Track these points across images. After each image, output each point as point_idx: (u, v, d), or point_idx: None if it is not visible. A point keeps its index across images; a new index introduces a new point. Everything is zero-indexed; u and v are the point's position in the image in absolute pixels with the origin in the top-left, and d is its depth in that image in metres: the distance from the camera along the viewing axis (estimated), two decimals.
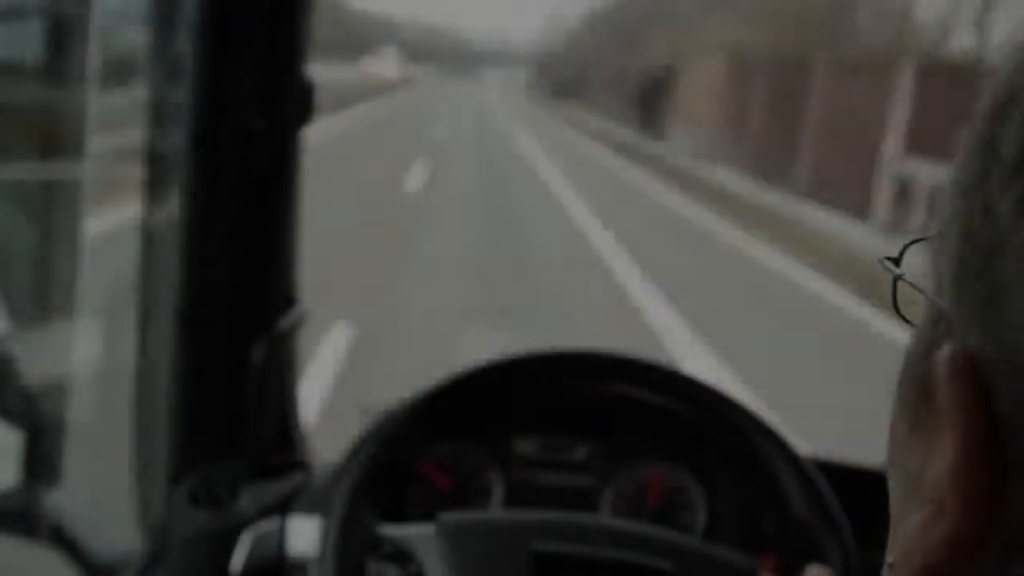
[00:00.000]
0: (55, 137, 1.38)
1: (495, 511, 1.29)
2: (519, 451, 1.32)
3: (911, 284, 0.35)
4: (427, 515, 1.26)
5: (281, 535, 1.20)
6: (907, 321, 0.35)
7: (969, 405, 0.29)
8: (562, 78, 64.96)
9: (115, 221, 1.54)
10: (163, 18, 1.28)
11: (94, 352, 1.54)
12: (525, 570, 1.09)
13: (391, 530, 1.12)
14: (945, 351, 0.30)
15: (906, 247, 0.37)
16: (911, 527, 0.31)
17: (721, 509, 1.30)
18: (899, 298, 0.36)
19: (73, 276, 1.36)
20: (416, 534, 1.12)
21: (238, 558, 1.17)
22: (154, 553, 1.24)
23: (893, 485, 0.36)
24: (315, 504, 1.20)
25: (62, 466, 1.36)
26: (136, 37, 1.32)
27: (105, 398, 1.57)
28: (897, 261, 0.37)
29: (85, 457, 1.44)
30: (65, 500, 1.33)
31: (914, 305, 0.35)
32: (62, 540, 1.29)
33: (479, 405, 1.28)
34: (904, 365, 0.35)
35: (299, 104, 1.25)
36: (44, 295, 1.36)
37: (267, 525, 1.19)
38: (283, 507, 1.21)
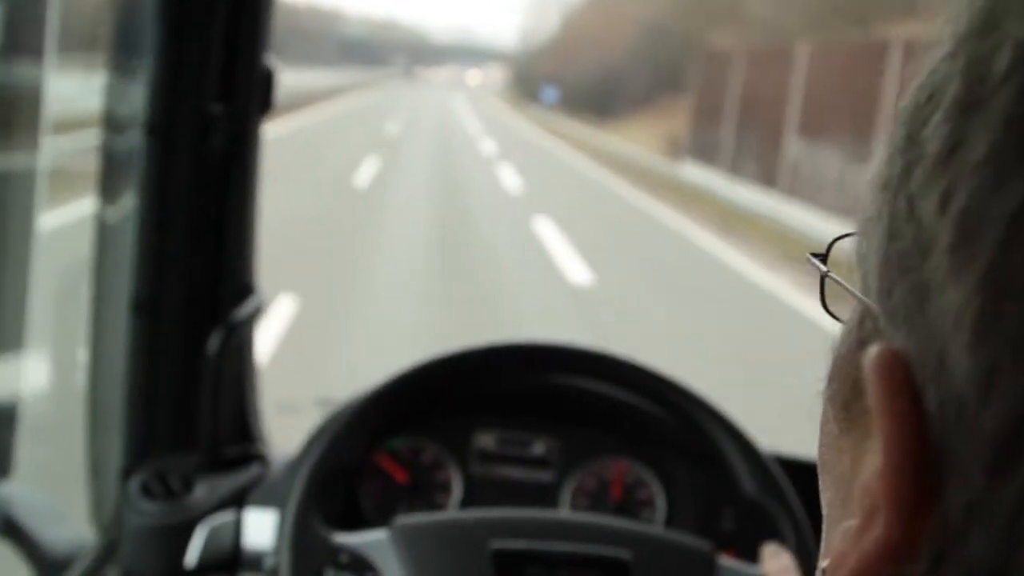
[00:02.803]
0: (8, 124, 1.35)
1: (452, 510, 1.29)
2: (478, 446, 1.32)
3: (837, 281, 0.35)
4: (385, 510, 1.25)
5: (237, 528, 1.18)
6: (837, 318, 0.35)
7: (898, 407, 0.28)
8: (583, 81, 37.23)
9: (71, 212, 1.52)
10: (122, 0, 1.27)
11: (46, 343, 1.52)
12: (485, 569, 1.08)
13: (346, 538, 1.11)
14: (872, 350, 0.29)
15: (833, 243, 0.36)
16: (843, 533, 0.31)
17: (680, 503, 1.30)
18: (827, 295, 0.36)
19: (26, 266, 1.33)
20: (372, 541, 1.10)
21: (193, 551, 1.16)
22: (107, 546, 1.22)
23: (825, 488, 0.35)
24: (271, 497, 1.18)
25: (14, 457, 1.33)
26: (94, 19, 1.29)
27: (58, 389, 1.55)
28: (824, 258, 0.36)
29: (37, 448, 1.42)
30: (17, 492, 1.31)
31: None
32: (14, 532, 1.27)
33: (436, 398, 1.27)
34: (832, 365, 0.34)
35: (260, 91, 1.23)
36: None
37: (222, 518, 1.18)
38: (239, 500, 1.20)
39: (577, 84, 38.07)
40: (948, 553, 0.28)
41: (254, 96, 1.22)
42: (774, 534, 1.13)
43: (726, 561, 1.12)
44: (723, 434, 1.20)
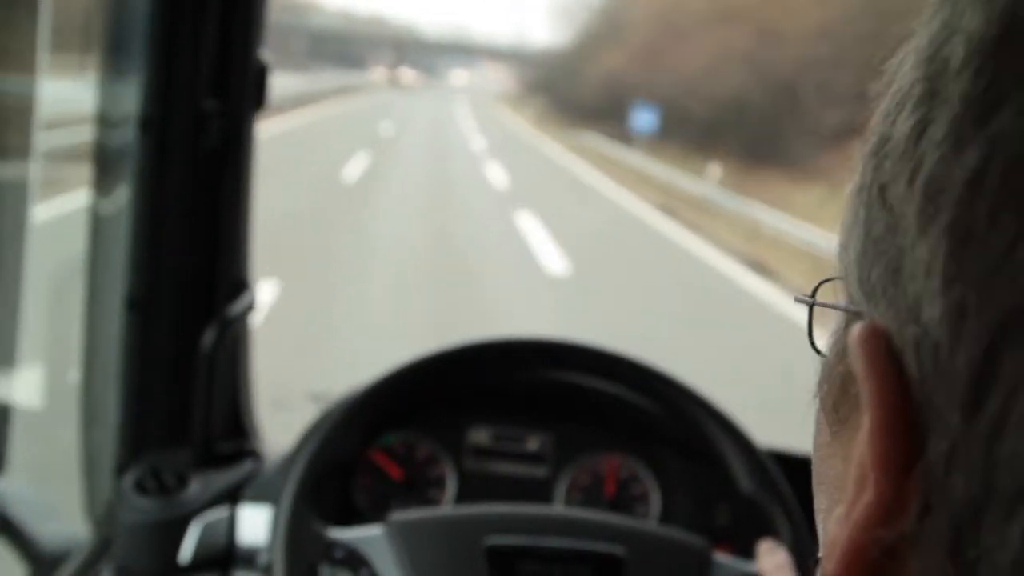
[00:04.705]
0: (1, 124, 1.35)
1: (447, 506, 1.29)
2: (472, 441, 1.32)
3: (824, 305, 0.37)
4: (379, 506, 1.25)
5: (231, 524, 1.18)
6: (822, 354, 0.37)
7: (880, 368, 0.30)
8: (692, 96, 20.06)
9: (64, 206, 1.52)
10: None
11: (41, 338, 1.51)
12: (479, 565, 1.08)
13: (341, 533, 1.11)
14: (855, 329, 0.31)
15: (818, 286, 0.38)
16: (836, 516, 0.32)
17: (675, 499, 1.30)
18: (814, 331, 0.38)
19: (20, 264, 1.33)
20: (366, 536, 1.11)
21: (187, 547, 1.16)
22: (101, 542, 1.22)
23: (820, 497, 0.36)
24: (265, 493, 1.18)
25: (7, 453, 1.33)
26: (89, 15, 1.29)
27: (52, 385, 1.54)
28: (812, 296, 0.39)
29: (31, 444, 1.42)
30: (11, 488, 1.30)
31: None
32: (8, 529, 1.26)
33: (430, 395, 1.27)
34: (821, 371, 0.36)
35: (253, 87, 1.23)
36: None
37: (216, 514, 1.18)
38: (233, 496, 1.20)
39: (680, 100, 21.19)
40: (932, 504, 0.29)
41: (248, 92, 1.22)
42: (770, 530, 1.13)
43: (721, 557, 1.12)
44: (719, 430, 1.20)
